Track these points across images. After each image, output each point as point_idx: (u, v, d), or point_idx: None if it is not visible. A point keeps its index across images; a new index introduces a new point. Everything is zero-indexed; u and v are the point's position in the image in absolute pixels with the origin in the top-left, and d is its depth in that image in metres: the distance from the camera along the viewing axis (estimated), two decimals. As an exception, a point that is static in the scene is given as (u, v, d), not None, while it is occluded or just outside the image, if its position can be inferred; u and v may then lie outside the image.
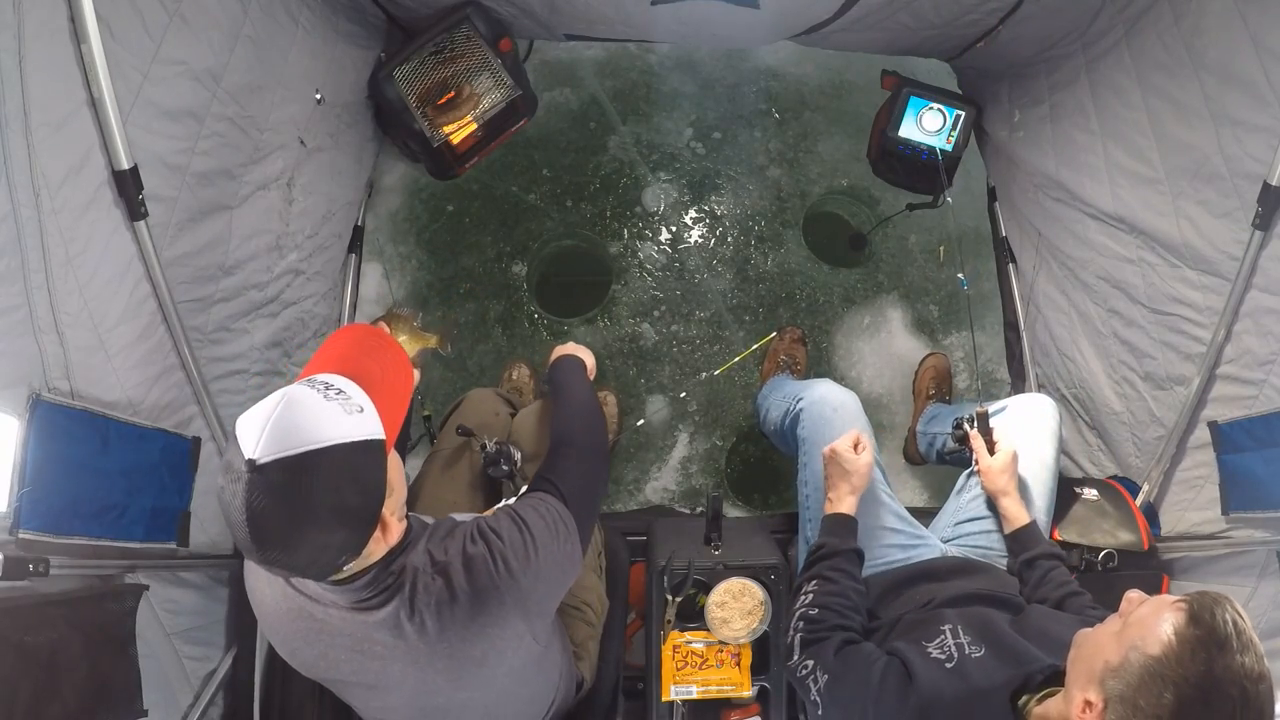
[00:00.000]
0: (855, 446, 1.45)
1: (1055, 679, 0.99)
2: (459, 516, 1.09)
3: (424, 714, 1.08)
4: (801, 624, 1.25)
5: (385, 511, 0.89)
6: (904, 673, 1.08)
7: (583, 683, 1.39)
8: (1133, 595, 0.90)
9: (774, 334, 2.30)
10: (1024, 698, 1.00)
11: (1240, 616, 0.80)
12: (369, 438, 0.86)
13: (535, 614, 1.02)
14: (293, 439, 0.80)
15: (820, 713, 1.14)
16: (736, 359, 2.24)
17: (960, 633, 1.13)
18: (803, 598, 1.30)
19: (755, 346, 2.20)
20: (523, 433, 1.52)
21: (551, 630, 1.13)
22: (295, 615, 0.99)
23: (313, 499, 0.81)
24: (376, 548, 0.92)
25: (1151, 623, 0.83)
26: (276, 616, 1.02)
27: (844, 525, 1.40)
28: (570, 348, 1.51)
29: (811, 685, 1.15)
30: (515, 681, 1.08)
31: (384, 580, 0.94)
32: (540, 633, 1.05)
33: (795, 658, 1.22)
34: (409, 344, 1.43)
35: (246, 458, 0.78)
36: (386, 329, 1.38)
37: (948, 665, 1.07)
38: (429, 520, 1.05)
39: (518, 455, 1.43)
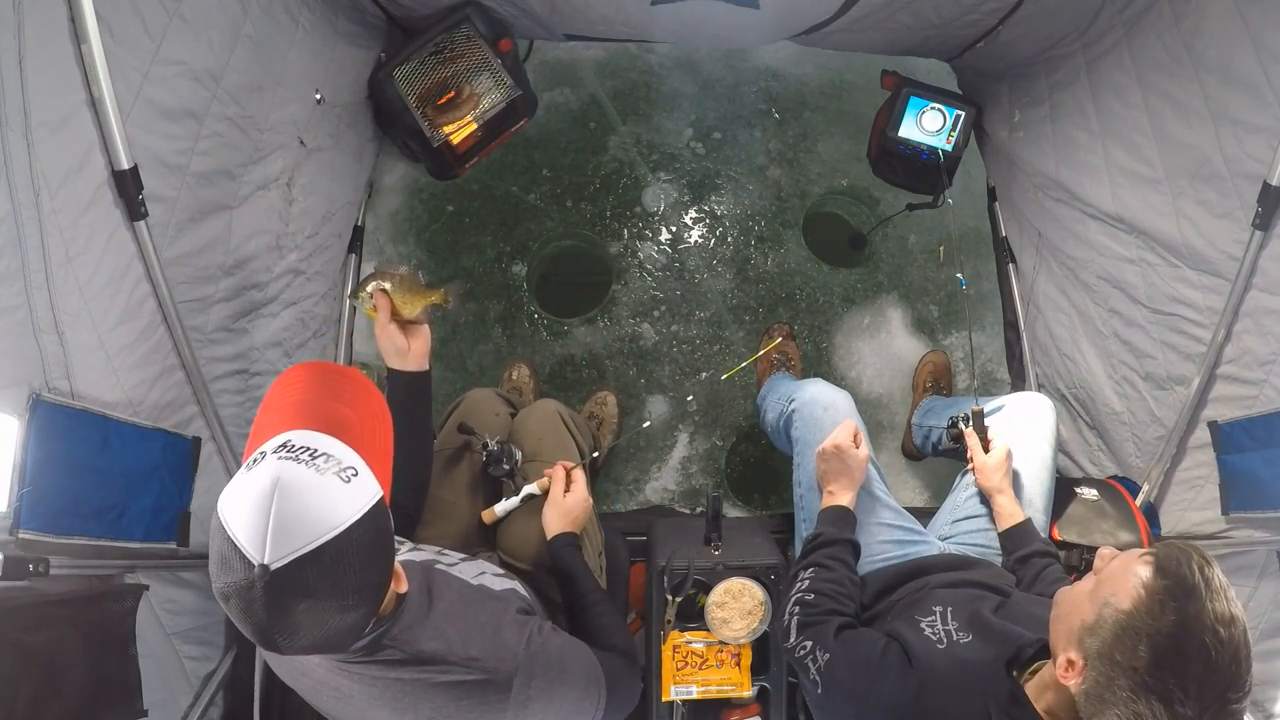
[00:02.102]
0: (854, 440, 1.46)
1: (1045, 654, 1.01)
2: (489, 578, 1.10)
3: None
4: (798, 608, 1.26)
5: (396, 565, 0.88)
6: (903, 654, 1.09)
7: None
8: (1104, 552, 0.92)
9: (777, 339, 2.30)
10: (1015, 672, 1.02)
11: (1207, 564, 0.82)
12: (373, 503, 0.82)
13: None
14: (303, 533, 0.76)
15: (820, 691, 1.14)
16: (743, 364, 2.23)
17: (950, 618, 1.15)
18: (799, 584, 1.31)
19: (761, 353, 2.20)
20: (523, 432, 1.52)
21: None
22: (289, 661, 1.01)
23: (336, 586, 0.78)
24: (387, 599, 0.90)
25: (1121, 578, 0.85)
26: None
27: (842, 517, 1.41)
28: (562, 521, 1.35)
29: (811, 665, 1.16)
30: None
31: (385, 651, 0.93)
32: None
33: (793, 639, 1.22)
34: (411, 302, 1.30)
35: (258, 564, 0.74)
36: (383, 286, 1.28)
37: (939, 646, 1.09)
38: (432, 561, 1.04)
39: (518, 454, 1.43)
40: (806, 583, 1.30)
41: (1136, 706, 0.80)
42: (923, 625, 1.15)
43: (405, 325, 1.30)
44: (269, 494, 0.76)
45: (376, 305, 1.28)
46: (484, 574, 1.18)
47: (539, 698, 0.99)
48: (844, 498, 1.43)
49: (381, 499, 0.84)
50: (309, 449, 0.81)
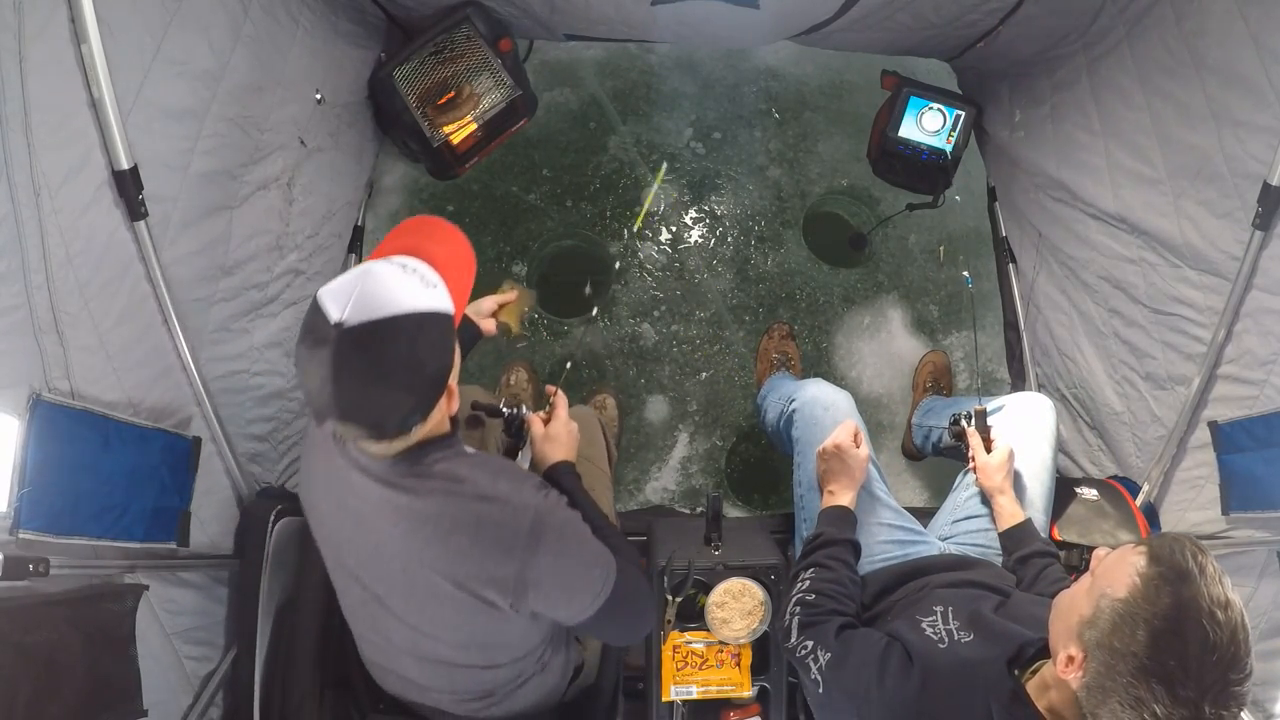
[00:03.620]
0: (855, 439, 1.46)
1: (1046, 653, 1.01)
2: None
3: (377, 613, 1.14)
4: (799, 608, 1.25)
5: (450, 380, 0.99)
6: (905, 653, 1.09)
7: (581, 666, 1.39)
8: (1099, 553, 0.93)
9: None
10: (1016, 671, 1.02)
11: (1200, 552, 0.83)
12: (441, 309, 0.95)
13: (520, 595, 1.05)
14: (376, 306, 0.89)
15: (821, 691, 1.14)
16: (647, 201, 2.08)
17: (950, 618, 1.15)
18: (799, 584, 1.31)
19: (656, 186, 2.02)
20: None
21: (539, 623, 1.15)
22: (333, 478, 1.09)
23: (393, 358, 0.90)
24: (440, 417, 1.02)
25: (1116, 569, 0.86)
26: (318, 481, 1.13)
27: (842, 517, 1.41)
28: (553, 449, 1.36)
29: (812, 664, 1.16)
30: (471, 628, 1.11)
31: (421, 465, 1.02)
32: (518, 609, 1.07)
33: (794, 639, 1.22)
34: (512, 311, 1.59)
35: (334, 321, 0.87)
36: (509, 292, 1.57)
37: (940, 646, 1.10)
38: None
39: (528, 414, 1.43)
40: (807, 583, 1.30)
41: (1137, 691, 0.80)
42: (923, 625, 1.15)
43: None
44: (358, 276, 0.92)
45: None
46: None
47: (548, 550, 1.04)
48: (844, 498, 1.43)
49: (450, 315, 0.97)
50: (400, 263, 0.96)
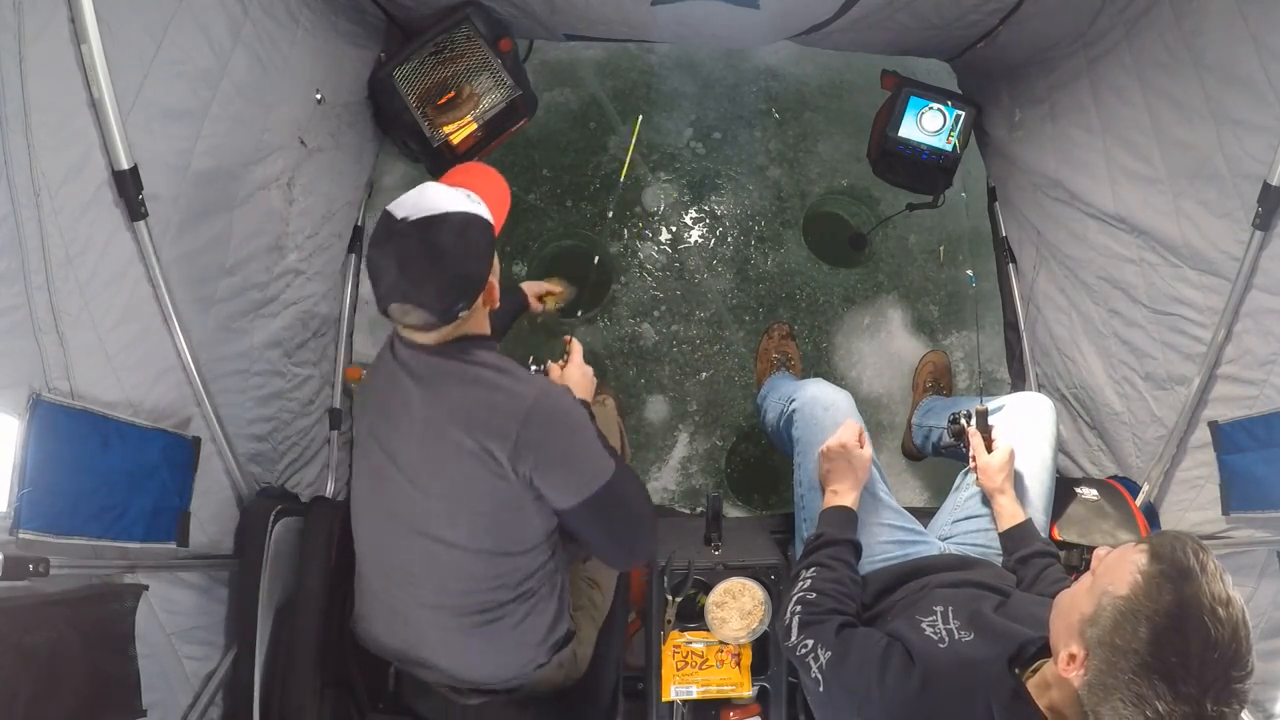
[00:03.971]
0: (858, 439, 1.47)
1: (1046, 652, 1.01)
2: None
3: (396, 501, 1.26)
4: (799, 607, 1.25)
5: (491, 277, 1.20)
6: (906, 653, 1.10)
7: (573, 634, 1.40)
8: (1100, 552, 0.93)
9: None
10: (1017, 670, 1.02)
11: (1202, 550, 0.83)
12: (482, 214, 1.18)
13: (520, 458, 1.16)
14: (430, 204, 1.14)
15: (821, 689, 1.14)
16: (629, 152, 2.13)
17: (951, 617, 1.15)
18: (800, 583, 1.31)
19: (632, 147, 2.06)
20: None
21: (534, 508, 1.23)
22: (387, 370, 1.26)
23: (444, 245, 1.12)
24: (481, 316, 1.25)
25: (1118, 567, 0.86)
26: (376, 376, 1.31)
27: (844, 518, 1.41)
28: (575, 392, 1.41)
29: (812, 663, 1.16)
30: (482, 502, 1.21)
31: (457, 357, 1.20)
32: (518, 473, 1.18)
33: (794, 638, 1.22)
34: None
35: (399, 218, 1.13)
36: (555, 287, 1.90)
37: (940, 646, 1.10)
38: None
39: (549, 364, 1.53)
40: (808, 582, 1.30)
41: (1139, 688, 0.80)
42: (924, 625, 1.15)
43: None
44: (416, 190, 1.17)
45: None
46: None
47: (549, 422, 1.18)
48: (847, 498, 1.43)
49: (492, 226, 1.20)
50: (449, 185, 1.21)
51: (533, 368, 1.49)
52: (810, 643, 1.18)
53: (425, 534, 1.22)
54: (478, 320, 1.24)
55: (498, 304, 1.25)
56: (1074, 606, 0.90)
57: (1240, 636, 0.79)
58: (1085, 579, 0.92)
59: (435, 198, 1.14)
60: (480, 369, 1.20)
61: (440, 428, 1.19)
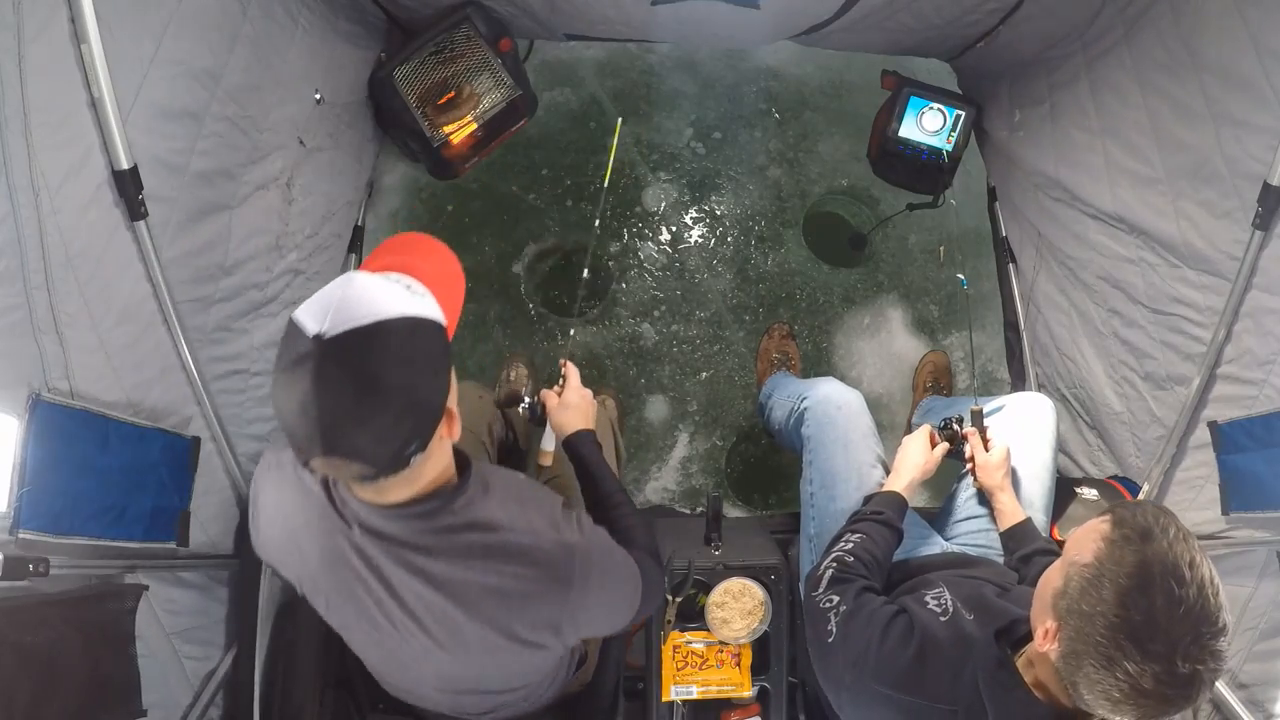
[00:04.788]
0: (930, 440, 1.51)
1: None
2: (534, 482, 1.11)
3: (404, 667, 1.09)
4: (835, 564, 1.26)
5: (450, 401, 0.87)
6: (909, 621, 1.11)
7: (584, 658, 1.39)
8: (1072, 532, 0.95)
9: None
10: (1009, 650, 1.03)
11: (1164, 514, 0.85)
12: (432, 317, 0.84)
13: (569, 632, 1.02)
14: (360, 311, 0.78)
15: (831, 640, 1.16)
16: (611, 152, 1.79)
17: (951, 597, 1.16)
18: (843, 541, 1.31)
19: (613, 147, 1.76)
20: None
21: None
22: (327, 534, 0.95)
23: (383, 371, 0.78)
24: (444, 455, 0.92)
25: (1083, 538, 0.88)
26: (290, 531, 0.99)
27: (900, 505, 1.42)
28: (571, 416, 1.35)
29: (832, 617, 1.17)
30: (518, 666, 1.10)
31: (445, 516, 0.92)
32: (565, 643, 1.05)
33: (822, 589, 1.23)
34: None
35: (313, 334, 0.77)
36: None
37: (942, 619, 1.11)
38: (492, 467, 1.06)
39: (544, 391, 1.44)
40: (850, 545, 1.30)
41: (1108, 650, 0.81)
42: (927, 598, 1.17)
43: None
44: (337, 285, 0.81)
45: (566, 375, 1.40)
46: None
47: (595, 586, 1.00)
48: (907, 489, 1.45)
49: (444, 326, 0.86)
50: (384, 275, 0.87)
51: (525, 403, 1.44)
52: (835, 598, 1.20)
53: (446, 689, 1.12)
54: (437, 459, 0.90)
55: (459, 435, 0.91)
56: (1047, 584, 0.92)
57: (1207, 594, 0.80)
58: (1059, 560, 0.94)
59: (364, 298, 0.80)
60: (484, 535, 0.94)
61: (453, 625, 0.97)
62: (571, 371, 1.40)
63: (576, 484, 1.32)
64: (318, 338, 0.76)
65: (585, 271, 1.58)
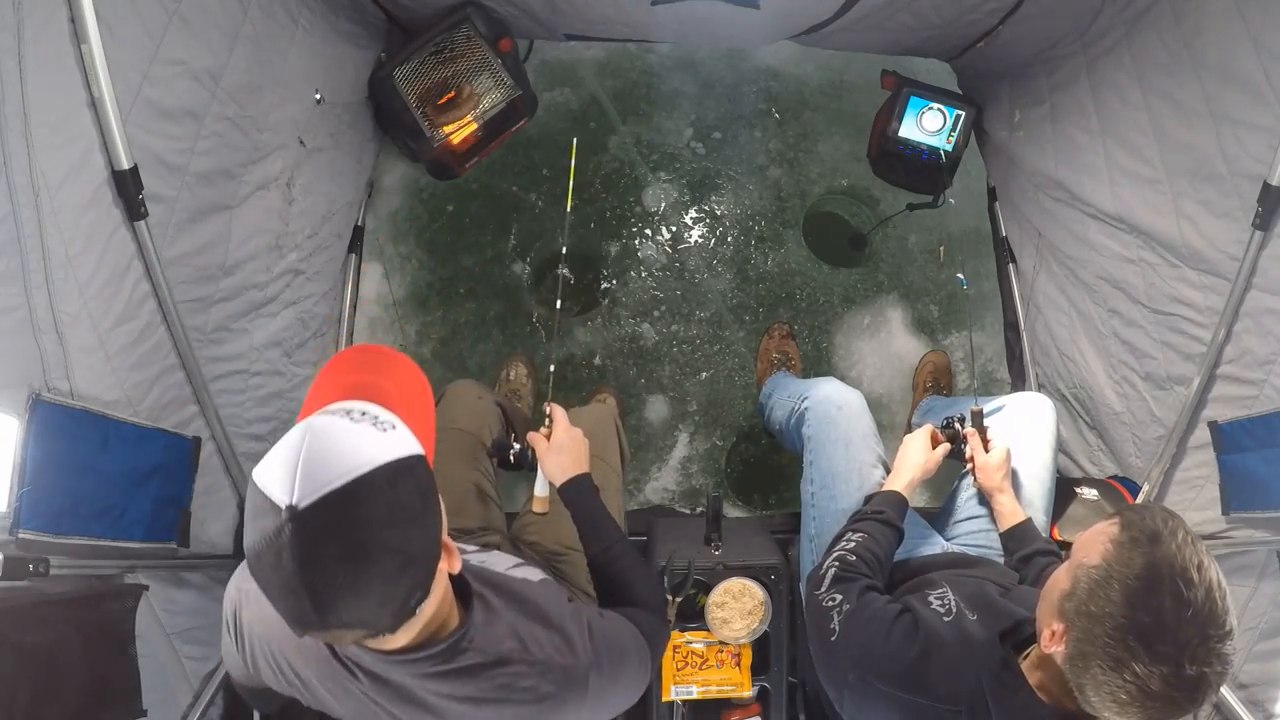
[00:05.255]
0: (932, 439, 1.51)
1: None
2: (522, 569, 1.07)
3: None
4: (837, 563, 1.27)
5: (445, 537, 0.80)
6: (913, 620, 1.11)
7: None
8: (1080, 535, 0.94)
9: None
10: (1013, 651, 1.03)
11: (1172, 517, 0.85)
12: (410, 453, 0.76)
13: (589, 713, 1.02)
14: (331, 471, 0.70)
15: (834, 639, 1.16)
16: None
17: (955, 596, 1.17)
18: (845, 541, 1.31)
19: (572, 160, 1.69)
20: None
21: None
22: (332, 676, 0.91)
23: (370, 536, 0.71)
24: (444, 594, 0.85)
25: (1091, 541, 0.88)
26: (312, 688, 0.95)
27: (900, 505, 1.42)
28: (563, 461, 1.30)
29: (835, 615, 1.18)
30: None
31: (453, 658, 0.87)
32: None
33: (824, 589, 1.23)
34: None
35: (284, 506, 0.68)
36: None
37: (946, 619, 1.11)
38: (485, 566, 1.02)
39: (530, 436, 1.39)
40: (852, 544, 1.30)
41: (1116, 651, 0.81)
42: (930, 598, 1.17)
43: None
44: (299, 440, 0.72)
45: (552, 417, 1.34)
46: (512, 567, 1.14)
47: (608, 685, 1.00)
48: (907, 489, 1.45)
49: (423, 457, 0.78)
50: (345, 409, 0.77)
51: (513, 449, 1.40)
52: (838, 597, 1.20)
53: None
54: (436, 593, 0.81)
55: (459, 567, 0.84)
56: (1054, 586, 0.92)
57: (1215, 597, 0.80)
58: (1066, 563, 0.94)
59: (332, 452, 0.71)
60: (493, 672, 0.89)
61: None
62: (558, 414, 1.34)
63: (573, 527, 1.28)
64: (291, 509, 0.68)
65: (561, 285, 1.57)
